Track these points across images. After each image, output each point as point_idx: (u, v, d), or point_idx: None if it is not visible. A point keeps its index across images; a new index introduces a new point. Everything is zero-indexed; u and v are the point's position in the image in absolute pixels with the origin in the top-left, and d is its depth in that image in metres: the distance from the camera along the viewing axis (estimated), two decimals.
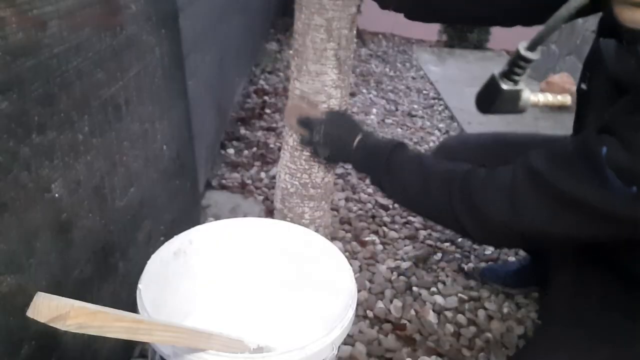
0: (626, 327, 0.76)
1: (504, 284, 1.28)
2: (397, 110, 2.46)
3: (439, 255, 1.39)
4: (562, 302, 0.88)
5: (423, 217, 0.92)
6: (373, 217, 1.53)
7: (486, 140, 1.16)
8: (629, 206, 0.62)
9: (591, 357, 0.74)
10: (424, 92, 2.78)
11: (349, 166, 1.82)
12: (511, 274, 1.29)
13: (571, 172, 0.66)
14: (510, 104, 0.66)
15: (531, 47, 0.63)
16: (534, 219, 0.70)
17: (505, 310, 1.22)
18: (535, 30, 0.65)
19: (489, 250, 1.44)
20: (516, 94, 0.65)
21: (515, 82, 0.66)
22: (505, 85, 0.66)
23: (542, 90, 1.08)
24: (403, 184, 0.85)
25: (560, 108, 2.37)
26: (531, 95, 0.65)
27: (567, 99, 0.65)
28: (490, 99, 0.68)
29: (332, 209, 1.49)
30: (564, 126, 2.26)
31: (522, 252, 1.44)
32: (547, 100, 0.65)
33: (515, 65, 0.64)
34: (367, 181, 1.73)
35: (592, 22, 2.60)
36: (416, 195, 0.84)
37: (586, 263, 0.85)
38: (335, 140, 0.94)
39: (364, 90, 2.68)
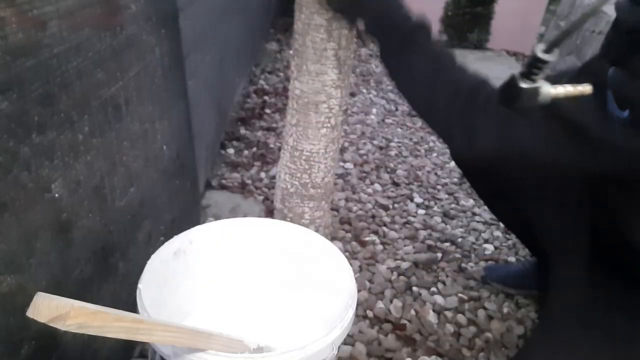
0: (628, 327, 0.77)
1: (505, 285, 1.28)
2: (397, 110, 2.46)
3: (439, 255, 1.39)
4: (563, 302, 0.88)
5: (416, 110, 0.93)
6: (373, 217, 1.53)
7: None
8: (619, 133, 0.69)
9: (593, 357, 0.75)
10: None
11: (349, 166, 1.82)
12: (513, 275, 1.29)
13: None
14: (531, 100, 0.68)
15: (548, 50, 0.65)
16: (524, 139, 0.75)
17: (505, 310, 1.22)
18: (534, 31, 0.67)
19: (489, 250, 1.44)
20: (535, 91, 0.68)
21: (534, 81, 0.67)
22: (524, 85, 0.68)
23: None
24: (412, 74, 0.84)
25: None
26: (551, 88, 0.67)
27: (587, 88, 0.66)
28: (512, 97, 0.71)
29: (332, 209, 1.49)
30: None
31: (524, 252, 1.44)
32: (568, 91, 0.66)
33: (533, 66, 0.66)
34: (367, 181, 1.73)
35: (591, 22, 2.60)
36: (420, 90, 0.84)
37: (586, 263, 0.86)
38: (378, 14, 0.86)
39: (364, 90, 2.68)
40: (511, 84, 0.70)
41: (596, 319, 0.80)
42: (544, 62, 0.65)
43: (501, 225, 1.54)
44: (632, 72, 0.69)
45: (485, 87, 0.80)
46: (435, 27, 3.80)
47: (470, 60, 3.46)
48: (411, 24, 0.85)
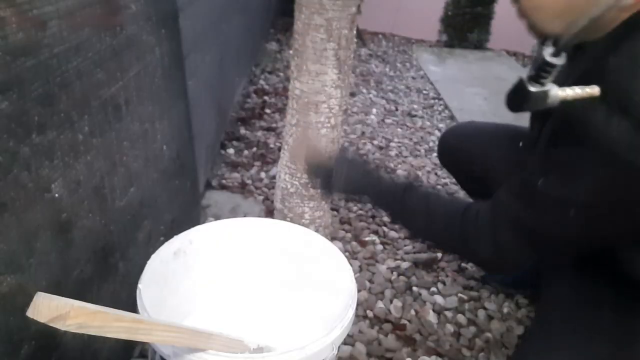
0: (624, 326, 0.78)
1: (505, 285, 1.28)
2: (397, 110, 2.47)
3: (439, 255, 1.39)
4: (559, 303, 0.90)
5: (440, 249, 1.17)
6: (373, 217, 1.53)
7: (482, 134, 1.25)
8: (577, 225, 0.74)
9: (590, 357, 0.76)
10: (424, 92, 2.78)
11: None
12: (513, 275, 1.29)
13: (528, 206, 0.78)
14: (539, 103, 0.69)
15: (556, 53, 0.66)
16: (514, 253, 0.83)
17: (505, 310, 1.22)
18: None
19: None
20: (544, 94, 0.68)
21: (542, 85, 0.68)
22: (533, 88, 0.68)
23: None
24: (416, 227, 0.97)
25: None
26: (559, 91, 0.67)
27: (595, 90, 0.66)
28: (520, 101, 0.71)
29: (332, 209, 1.49)
30: None
31: None
32: (576, 93, 0.67)
33: (541, 69, 0.67)
34: None
35: None
36: (427, 235, 1.00)
37: (581, 265, 0.87)
38: (351, 182, 1.01)
39: (364, 90, 2.68)
40: (520, 87, 0.71)
41: (593, 318, 0.81)
42: (553, 65, 0.66)
43: None
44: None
45: (468, 209, 0.88)
46: (435, 27, 3.82)
47: (470, 60, 3.46)
48: (399, 190, 0.96)
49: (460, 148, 1.26)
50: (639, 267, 0.78)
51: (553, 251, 0.85)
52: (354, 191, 1.04)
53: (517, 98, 0.73)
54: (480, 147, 1.20)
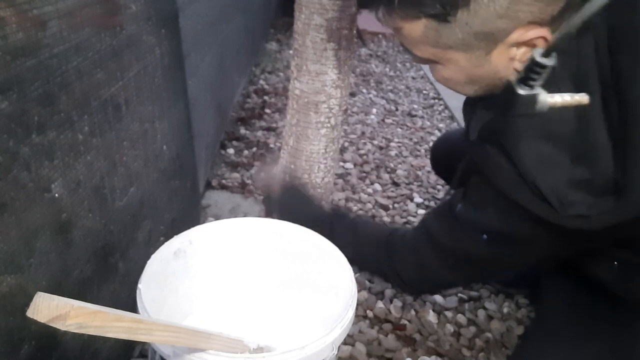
0: (622, 326, 0.79)
1: (505, 284, 1.28)
2: (397, 110, 2.46)
3: None
4: (558, 304, 0.91)
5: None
6: (373, 217, 1.53)
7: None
8: (489, 251, 0.77)
9: (588, 357, 0.76)
10: (424, 92, 2.78)
11: (349, 166, 1.82)
12: (513, 275, 1.29)
13: (449, 229, 0.82)
14: (528, 107, 0.67)
15: (546, 53, 0.64)
16: (435, 274, 0.89)
17: (505, 310, 1.22)
18: None
19: None
20: (533, 98, 0.66)
21: (532, 87, 0.66)
22: (522, 91, 0.66)
23: None
24: (349, 256, 0.94)
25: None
26: (548, 97, 0.65)
27: (584, 98, 0.65)
28: (508, 105, 0.69)
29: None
30: None
31: None
32: (565, 100, 0.65)
33: (531, 71, 0.65)
34: (367, 181, 1.73)
35: None
36: (361, 263, 1.04)
37: (578, 267, 0.88)
38: (290, 213, 1.04)
39: (364, 90, 2.68)
40: (508, 89, 0.68)
41: (582, 317, 0.84)
42: (543, 66, 0.64)
43: None
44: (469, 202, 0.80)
45: (394, 235, 0.94)
46: None
47: None
48: (327, 221, 1.00)
49: (451, 155, 1.24)
50: (598, 270, 0.81)
51: (473, 274, 0.92)
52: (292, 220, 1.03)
53: (504, 101, 0.70)
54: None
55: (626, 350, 0.77)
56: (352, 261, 0.87)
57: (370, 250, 0.97)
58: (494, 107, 0.74)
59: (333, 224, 0.99)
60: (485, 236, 0.76)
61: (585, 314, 0.84)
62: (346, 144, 2.00)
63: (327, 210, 1.10)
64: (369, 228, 1.03)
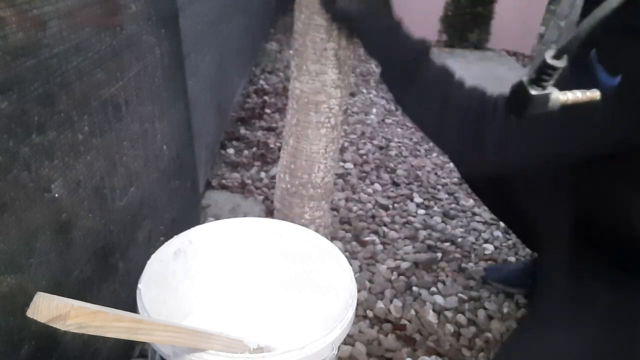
0: (621, 308, 0.80)
1: (506, 284, 1.28)
2: (397, 110, 2.46)
3: (439, 255, 1.39)
4: (552, 282, 0.92)
5: (426, 133, 0.94)
6: (373, 217, 1.53)
7: None
8: (610, 101, 0.70)
9: (586, 337, 0.78)
10: None
11: (349, 166, 1.82)
12: (513, 275, 1.29)
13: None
14: (541, 107, 0.69)
15: (557, 56, 0.65)
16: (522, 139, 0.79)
17: (505, 310, 1.22)
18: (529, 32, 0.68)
19: (489, 250, 1.44)
20: (545, 98, 0.68)
21: (544, 88, 0.67)
22: (534, 92, 0.68)
23: None
24: (418, 100, 0.87)
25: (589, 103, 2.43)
26: (560, 94, 0.67)
27: (595, 94, 0.66)
28: (521, 105, 0.71)
29: (332, 209, 1.49)
30: None
31: (524, 252, 1.44)
32: (577, 97, 0.66)
33: (542, 73, 0.66)
34: (367, 181, 1.73)
35: None
36: (428, 115, 0.86)
37: (573, 246, 0.89)
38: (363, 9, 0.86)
39: (364, 90, 2.68)
40: (520, 91, 0.70)
41: (582, 294, 0.83)
42: (554, 68, 0.65)
43: (501, 224, 1.54)
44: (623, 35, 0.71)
45: (488, 101, 0.82)
46: (435, 27, 3.82)
47: (470, 60, 3.46)
48: (414, 49, 0.87)
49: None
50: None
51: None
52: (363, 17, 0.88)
53: (517, 101, 0.72)
54: None
55: (622, 333, 0.77)
56: (421, 117, 0.83)
57: (456, 116, 0.82)
58: (508, 107, 0.75)
59: (419, 62, 0.86)
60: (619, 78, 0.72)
61: (579, 299, 0.84)
62: (346, 144, 2.00)
63: (415, 39, 0.89)
64: (457, 85, 0.85)
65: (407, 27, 0.89)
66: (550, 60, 0.65)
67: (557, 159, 0.85)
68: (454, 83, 0.86)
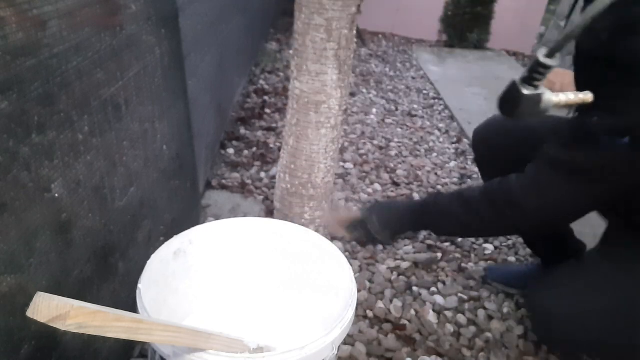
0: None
1: (506, 285, 1.28)
2: (397, 110, 2.47)
3: (439, 255, 1.39)
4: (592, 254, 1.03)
5: (478, 236, 1.22)
6: None
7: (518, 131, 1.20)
8: (625, 156, 0.78)
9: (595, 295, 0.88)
10: (424, 92, 2.79)
11: (349, 166, 1.82)
12: (514, 275, 1.29)
13: (576, 147, 0.83)
14: (533, 107, 0.68)
15: (550, 54, 0.65)
16: (556, 197, 0.88)
17: (505, 310, 1.22)
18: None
19: (489, 250, 1.44)
20: (537, 98, 0.68)
21: (536, 87, 0.67)
22: (526, 91, 0.67)
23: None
24: (459, 220, 1.00)
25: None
26: (552, 96, 0.66)
27: (588, 96, 0.66)
28: (513, 104, 0.71)
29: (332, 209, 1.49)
30: None
31: (524, 252, 1.44)
32: (569, 99, 0.66)
33: (535, 71, 0.66)
34: (367, 181, 1.73)
35: None
36: (473, 222, 1.00)
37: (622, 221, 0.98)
38: (387, 225, 1.10)
39: (364, 90, 2.68)
40: (512, 90, 0.69)
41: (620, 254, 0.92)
42: (547, 67, 0.65)
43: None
44: (612, 109, 0.78)
45: (505, 177, 0.94)
46: (435, 27, 3.82)
47: (470, 60, 3.46)
48: (428, 201, 1.07)
49: (499, 144, 1.21)
50: None
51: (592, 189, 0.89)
52: (394, 230, 1.13)
53: (509, 101, 0.71)
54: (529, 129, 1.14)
55: None
56: (466, 225, 0.96)
57: (484, 200, 0.96)
58: (500, 107, 0.75)
59: (436, 199, 1.04)
60: (627, 139, 0.78)
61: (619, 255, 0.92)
62: (346, 144, 2.00)
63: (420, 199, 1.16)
64: (472, 187, 1.08)
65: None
66: (542, 59, 0.65)
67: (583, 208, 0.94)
68: (466, 195, 1.00)
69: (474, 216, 0.97)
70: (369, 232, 1.11)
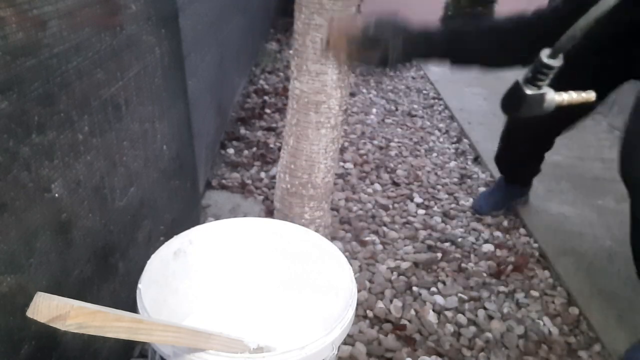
0: None
1: (496, 209, 1.52)
2: (397, 110, 2.47)
3: (439, 255, 1.39)
4: None
5: (496, 66, 1.08)
6: (373, 217, 1.53)
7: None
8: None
9: None
10: (424, 92, 2.79)
11: (349, 166, 1.82)
12: (499, 199, 1.54)
13: None
14: (536, 107, 0.69)
15: (553, 55, 0.65)
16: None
17: (505, 310, 1.22)
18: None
19: (487, 249, 1.44)
20: (540, 97, 0.68)
21: (539, 87, 0.67)
22: (529, 91, 0.68)
23: None
24: (471, 50, 0.98)
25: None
26: (555, 95, 0.66)
27: (591, 95, 0.66)
28: (516, 104, 0.71)
29: (332, 209, 1.49)
30: None
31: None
32: (572, 98, 0.66)
33: (538, 72, 0.66)
34: (367, 181, 1.73)
35: None
36: (493, 50, 0.97)
37: None
38: (406, 49, 0.96)
39: (364, 90, 2.68)
40: (516, 90, 0.70)
41: None
42: (550, 67, 0.65)
43: (502, 225, 1.54)
44: None
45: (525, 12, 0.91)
46: None
47: None
48: (435, 30, 0.99)
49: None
50: None
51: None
52: (411, 56, 1.00)
53: (513, 101, 0.72)
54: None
55: None
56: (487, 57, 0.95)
57: (514, 33, 0.95)
58: (503, 106, 0.75)
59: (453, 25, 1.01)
60: None
61: None
62: (346, 144, 2.00)
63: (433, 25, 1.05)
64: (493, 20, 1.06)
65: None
66: (546, 60, 0.65)
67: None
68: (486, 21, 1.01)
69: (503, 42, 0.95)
70: (384, 57, 0.95)
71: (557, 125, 1.24)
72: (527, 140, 1.36)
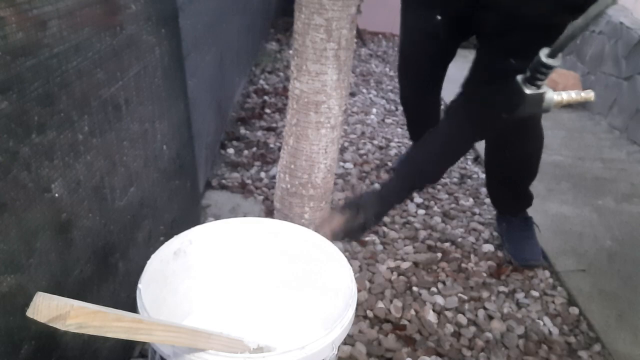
0: None
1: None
2: (397, 110, 2.46)
3: (439, 255, 1.39)
4: None
5: (455, 160, 1.21)
6: None
7: None
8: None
9: None
10: None
11: (349, 166, 1.82)
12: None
13: None
14: (535, 106, 0.68)
15: (552, 54, 0.65)
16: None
17: (505, 310, 1.22)
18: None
19: (489, 250, 1.44)
20: (539, 97, 0.68)
21: (538, 87, 0.67)
22: (528, 90, 0.67)
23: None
24: (432, 152, 1.06)
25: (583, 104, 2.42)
26: (554, 95, 0.66)
27: (590, 95, 0.66)
28: (515, 103, 0.70)
29: (332, 209, 1.49)
30: (563, 126, 2.26)
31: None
32: (571, 97, 0.66)
33: (537, 71, 0.66)
34: (367, 181, 1.73)
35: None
36: (444, 147, 1.05)
37: None
38: (371, 204, 1.11)
39: (364, 90, 2.68)
40: (515, 89, 0.69)
41: None
42: (549, 66, 0.65)
43: (501, 225, 1.54)
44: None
45: (448, 109, 1.03)
46: None
47: (470, 60, 3.46)
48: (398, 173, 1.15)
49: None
50: None
51: None
52: (381, 212, 1.14)
53: (512, 100, 0.71)
54: None
55: None
56: (438, 162, 1.03)
57: (454, 126, 1.02)
58: (502, 106, 0.75)
59: (400, 167, 1.12)
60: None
61: None
62: (346, 144, 2.00)
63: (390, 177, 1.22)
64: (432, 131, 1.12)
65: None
66: (545, 59, 0.65)
67: None
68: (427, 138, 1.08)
69: (450, 141, 1.02)
70: (361, 226, 1.10)
71: (442, 57, 1.34)
72: (417, 75, 1.47)
